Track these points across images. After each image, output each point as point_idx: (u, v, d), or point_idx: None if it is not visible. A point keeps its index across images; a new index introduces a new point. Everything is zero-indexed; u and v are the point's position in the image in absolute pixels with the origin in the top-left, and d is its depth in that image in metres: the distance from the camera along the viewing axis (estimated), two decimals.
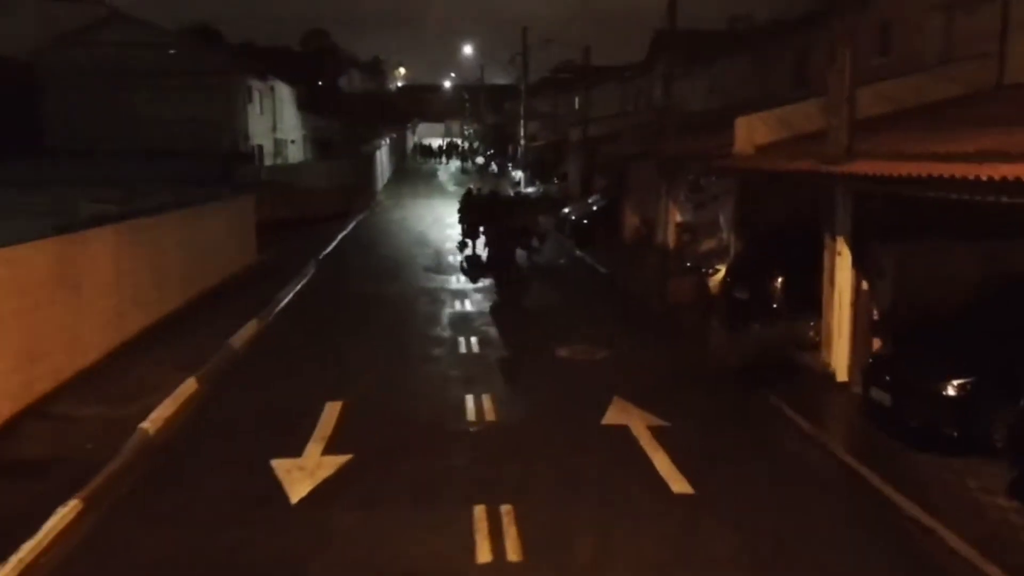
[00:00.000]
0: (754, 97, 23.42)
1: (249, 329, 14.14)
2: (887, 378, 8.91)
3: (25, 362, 9.55)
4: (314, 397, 10.46)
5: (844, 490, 7.93)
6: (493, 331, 14.40)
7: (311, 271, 20.82)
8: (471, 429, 9.51)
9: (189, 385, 10.84)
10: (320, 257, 22.87)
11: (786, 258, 12.45)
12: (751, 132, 15.15)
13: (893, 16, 18.13)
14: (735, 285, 13.33)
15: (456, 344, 13.44)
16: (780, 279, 12.36)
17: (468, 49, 70.64)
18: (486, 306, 16.66)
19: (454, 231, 24.41)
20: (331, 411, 9.95)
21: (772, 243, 12.97)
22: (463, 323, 15.01)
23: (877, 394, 8.96)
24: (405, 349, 13.18)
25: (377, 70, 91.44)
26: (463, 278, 19.79)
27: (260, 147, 44.30)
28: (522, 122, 50.01)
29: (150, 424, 9.37)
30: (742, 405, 10.41)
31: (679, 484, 7.86)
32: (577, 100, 43.95)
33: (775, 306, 12.20)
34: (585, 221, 27.15)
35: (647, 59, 37.84)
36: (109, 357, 11.57)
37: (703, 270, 15.70)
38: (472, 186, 27.15)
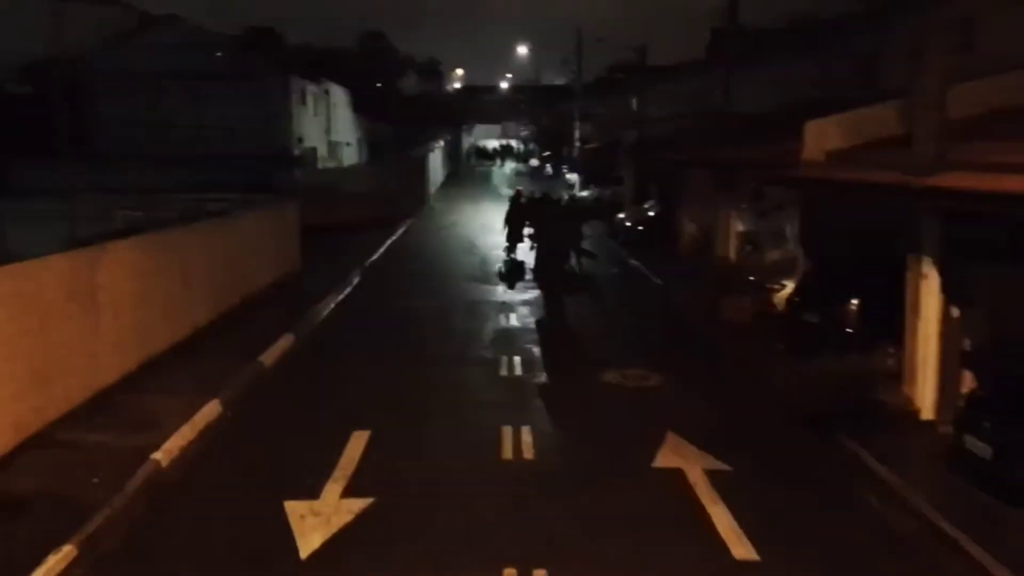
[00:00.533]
0: (817, 98, 22.07)
1: (282, 345, 13.48)
2: (986, 425, 7.70)
3: (33, 386, 8.96)
4: (341, 424, 9.70)
5: (937, 562, 6.77)
6: (536, 350, 13.46)
7: (355, 280, 20.19)
8: (507, 469, 8.56)
9: (211, 409, 10.16)
10: (366, 265, 22.25)
11: (862, 277, 11.21)
12: (821, 138, 13.91)
13: (977, 9, 16.63)
14: (804, 306, 12.12)
15: (497, 365, 12.53)
16: (855, 301, 11.13)
17: (523, 49, 69.93)
18: (531, 321, 15.73)
19: (503, 238, 23.67)
20: (356, 442, 9.16)
21: (846, 260, 11.74)
22: (506, 340, 14.11)
23: (973, 443, 7.75)
24: (443, 370, 12.33)
25: (434, 71, 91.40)
26: (510, 289, 18.89)
27: (314, 150, 44.23)
28: (576, 124, 49.02)
29: (163, 455, 8.69)
30: (812, 446, 9.27)
31: (741, 548, 6.81)
32: (632, 101, 42.76)
33: (849, 331, 10.99)
34: (640, 228, 26.08)
35: (705, 59, 36.52)
36: (129, 378, 10.96)
37: (767, 286, 14.50)
38: (520, 189, 26.30)
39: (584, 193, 37.77)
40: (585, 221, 23.01)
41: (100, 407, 9.95)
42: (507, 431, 9.47)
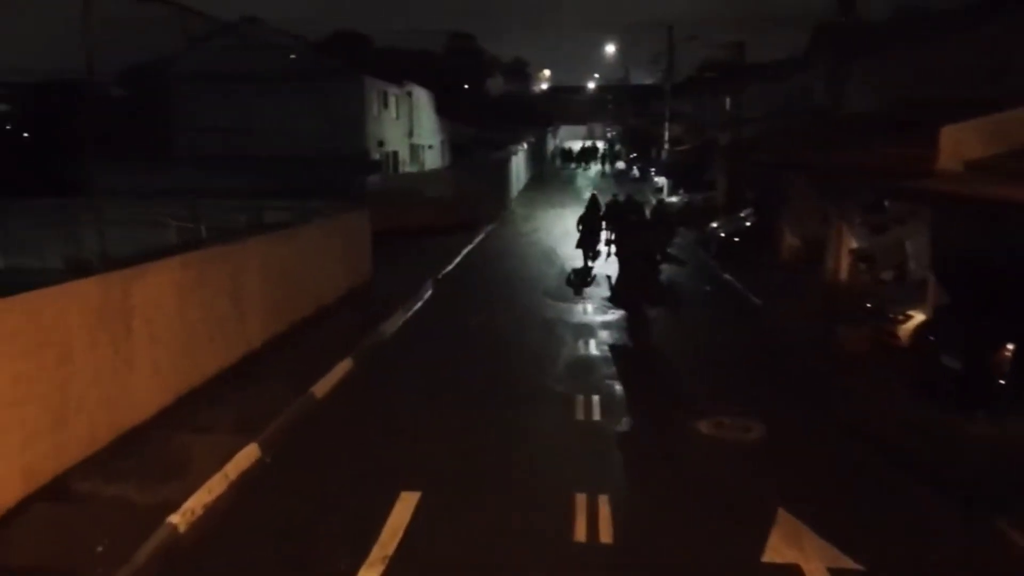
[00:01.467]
0: (932, 96, 19.71)
1: (339, 371, 12.33)
2: None
3: (49, 429, 7.97)
4: (388, 480, 8.41)
5: None
6: (618, 387, 11.86)
7: (427, 293, 19.01)
8: (579, 558, 7.00)
9: (246, 455, 9.00)
10: (439, 276, 21.05)
11: (1020, 315, 9.22)
12: (959, 145, 11.92)
13: None
14: (943, 349, 10.12)
15: (572, 406, 10.98)
16: (1011, 346, 9.13)
17: (611, 48, 68.20)
18: (613, 348, 14.13)
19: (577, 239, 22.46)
20: (403, 507, 7.82)
21: (996, 292, 9.73)
22: (583, 372, 12.57)
23: None
24: (511, 410, 10.84)
25: (521, 72, 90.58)
26: (589, 308, 17.37)
27: (395, 153, 43.60)
28: (666, 125, 46.93)
29: (181, 517, 7.53)
30: (962, 534, 7.41)
31: None
32: (726, 101, 40.46)
33: (1002, 383, 9.02)
34: (735, 239, 24.07)
35: (806, 54, 34.09)
36: (166, 412, 9.92)
37: (890, 315, 12.52)
38: (596, 193, 24.85)
39: (673, 199, 35.76)
40: (673, 229, 21.30)
41: (127, 449, 8.91)
42: (581, 500, 7.93)
